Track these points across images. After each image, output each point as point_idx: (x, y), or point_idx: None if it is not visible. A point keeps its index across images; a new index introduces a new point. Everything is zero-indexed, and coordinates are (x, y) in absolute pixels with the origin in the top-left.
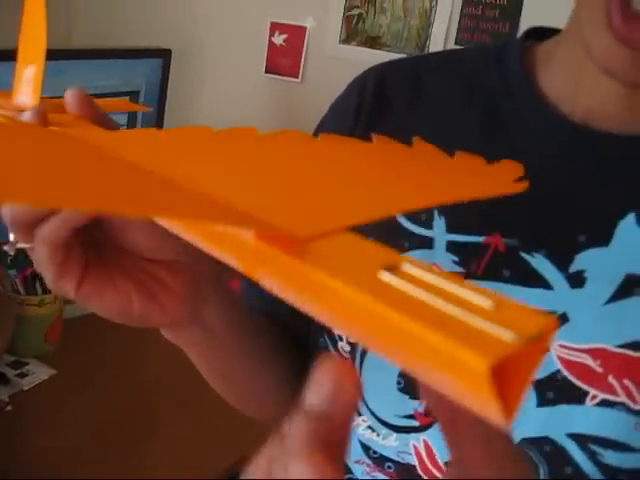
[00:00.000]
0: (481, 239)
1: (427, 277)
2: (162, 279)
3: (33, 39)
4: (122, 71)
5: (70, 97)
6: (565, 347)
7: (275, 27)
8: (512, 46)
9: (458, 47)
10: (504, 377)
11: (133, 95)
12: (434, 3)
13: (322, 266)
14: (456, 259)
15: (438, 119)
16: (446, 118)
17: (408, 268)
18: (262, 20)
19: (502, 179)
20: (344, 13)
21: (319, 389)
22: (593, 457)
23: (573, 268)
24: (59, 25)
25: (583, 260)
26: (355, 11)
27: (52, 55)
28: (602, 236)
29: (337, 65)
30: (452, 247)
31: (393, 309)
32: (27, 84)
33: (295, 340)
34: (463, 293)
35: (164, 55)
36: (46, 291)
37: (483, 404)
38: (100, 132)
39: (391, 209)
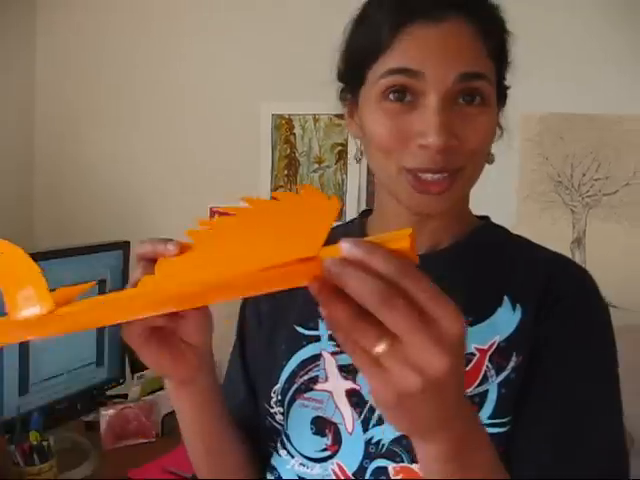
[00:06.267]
0: None
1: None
2: (189, 353)
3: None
4: (89, 264)
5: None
6: None
7: (214, 212)
8: (355, 220)
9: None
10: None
11: (101, 283)
12: (344, 176)
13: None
14: (335, 345)
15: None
16: None
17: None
18: (202, 207)
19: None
20: (271, 191)
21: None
22: None
23: None
24: (22, 229)
25: None
26: (281, 190)
27: None
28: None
29: None
30: (331, 337)
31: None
32: (27, 300)
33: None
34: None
35: (123, 247)
36: (43, 462)
37: (409, 257)
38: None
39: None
